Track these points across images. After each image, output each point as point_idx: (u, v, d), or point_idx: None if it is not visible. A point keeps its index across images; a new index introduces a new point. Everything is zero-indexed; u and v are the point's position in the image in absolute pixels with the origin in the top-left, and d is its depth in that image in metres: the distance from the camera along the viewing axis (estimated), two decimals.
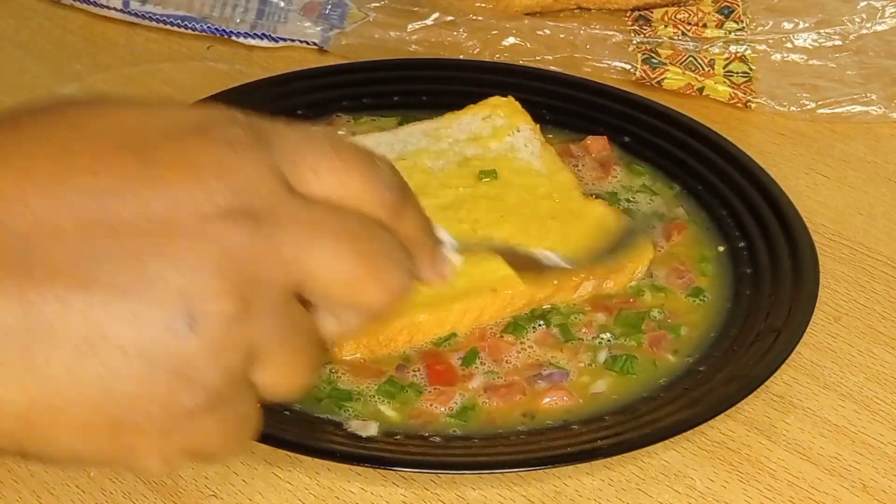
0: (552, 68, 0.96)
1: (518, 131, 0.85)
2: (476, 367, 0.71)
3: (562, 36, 1.00)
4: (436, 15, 1.01)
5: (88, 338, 0.41)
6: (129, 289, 0.41)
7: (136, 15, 1.02)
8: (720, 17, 1.03)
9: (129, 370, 0.41)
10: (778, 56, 0.99)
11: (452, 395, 0.69)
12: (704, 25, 1.02)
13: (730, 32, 1.01)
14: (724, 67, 0.98)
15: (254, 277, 0.42)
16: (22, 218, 0.41)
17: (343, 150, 0.45)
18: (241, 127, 0.44)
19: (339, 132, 0.87)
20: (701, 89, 0.96)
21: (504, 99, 0.87)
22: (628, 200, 0.83)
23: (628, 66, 0.98)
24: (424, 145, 0.84)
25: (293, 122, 0.47)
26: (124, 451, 0.43)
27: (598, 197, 0.82)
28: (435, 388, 0.70)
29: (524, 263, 0.61)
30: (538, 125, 0.86)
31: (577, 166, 0.85)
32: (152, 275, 0.41)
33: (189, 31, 1.01)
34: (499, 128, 0.85)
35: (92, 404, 0.42)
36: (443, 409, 0.69)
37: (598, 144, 0.87)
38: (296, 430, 0.66)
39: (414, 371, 0.71)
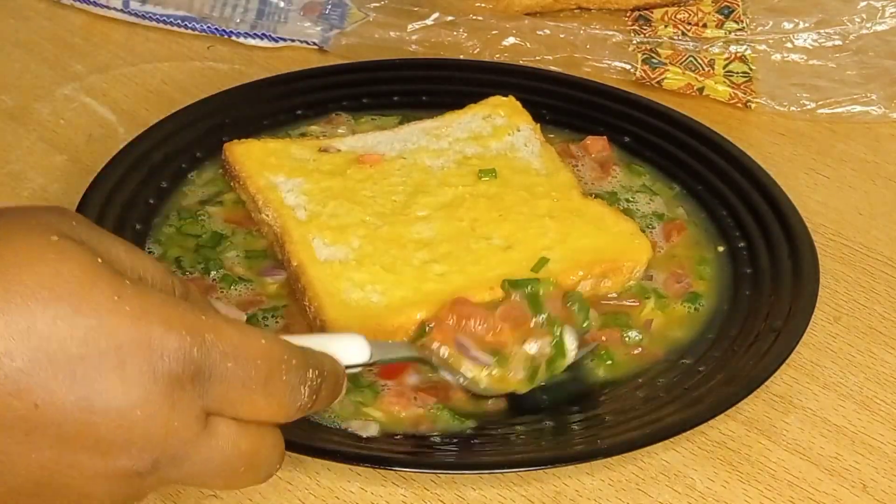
0: (552, 68, 0.96)
1: (518, 131, 0.85)
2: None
3: (562, 36, 1.00)
4: (436, 15, 1.01)
5: None
6: None
7: (136, 15, 1.02)
8: (720, 17, 1.03)
9: None
10: (778, 56, 0.99)
11: (408, 399, 0.69)
12: (704, 25, 1.02)
13: (730, 32, 1.01)
14: (724, 67, 0.98)
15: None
16: None
17: (270, 383, 0.50)
18: (181, 364, 0.47)
19: (339, 130, 0.87)
20: (701, 89, 0.97)
21: (504, 98, 0.87)
22: (628, 200, 0.83)
23: (628, 66, 0.98)
24: (424, 144, 0.84)
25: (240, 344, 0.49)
26: None
27: (597, 197, 0.82)
28: (388, 387, 0.69)
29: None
30: (538, 125, 0.86)
31: (577, 166, 0.85)
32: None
33: (189, 31, 1.01)
34: (499, 127, 0.85)
35: None
36: (404, 413, 0.68)
37: (597, 144, 0.87)
38: (296, 430, 0.66)
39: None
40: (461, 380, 0.68)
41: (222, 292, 0.74)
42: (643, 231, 0.79)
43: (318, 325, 0.72)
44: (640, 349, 0.73)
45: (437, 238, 0.77)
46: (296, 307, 0.74)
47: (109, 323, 0.46)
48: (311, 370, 0.51)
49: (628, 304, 0.76)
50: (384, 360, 0.63)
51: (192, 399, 0.48)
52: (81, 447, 0.46)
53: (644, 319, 0.74)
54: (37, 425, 0.46)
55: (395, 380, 0.70)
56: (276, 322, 0.73)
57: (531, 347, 0.69)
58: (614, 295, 0.76)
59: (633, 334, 0.73)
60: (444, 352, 0.67)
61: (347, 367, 0.55)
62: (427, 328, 0.69)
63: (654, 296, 0.76)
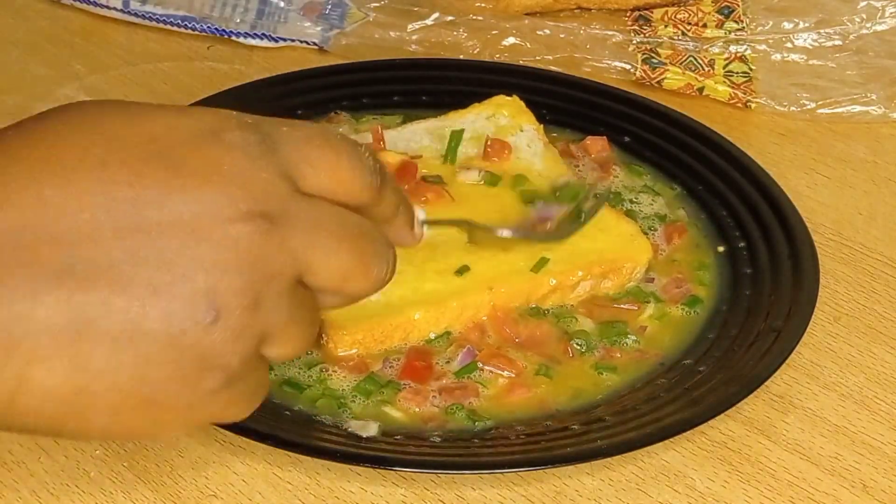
0: (552, 68, 0.96)
1: (521, 131, 0.85)
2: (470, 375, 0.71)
3: (562, 36, 1.00)
4: (436, 15, 1.01)
5: (127, 332, 0.47)
6: (161, 288, 0.47)
7: (136, 15, 1.02)
8: (720, 17, 1.03)
9: (161, 359, 0.47)
10: (778, 56, 0.99)
11: (426, 395, 0.69)
12: (704, 25, 1.02)
13: (730, 32, 1.01)
14: (724, 67, 0.98)
15: (267, 272, 0.49)
16: (66, 226, 0.47)
17: (334, 145, 0.52)
18: (249, 131, 0.50)
19: (340, 129, 0.87)
20: (701, 89, 0.96)
21: (509, 98, 0.87)
22: (632, 201, 0.83)
23: (628, 66, 0.98)
24: (427, 143, 0.84)
25: (291, 120, 0.53)
26: (152, 426, 0.50)
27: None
28: (408, 386, 0.69)
29: (482, 237, 0.73)
30: (542, 126, 0.86)
31: (577, 167, 0.85)
32: (181, 275, 0.47)
33: (189, 31, 1.01)
34: (502, 127, 0.85)
35: (126, 390, 0.48)
36: (417, 409, 0.69)
37: (597, 145, 0.87)
38: (296, 430, 0.66)
39: (393, 365, 0.71)
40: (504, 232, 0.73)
41: None
42: (645, 233, 0.79)
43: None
44: (638, 352, 0.73)
45: (438, 238, 0.77)
46: None
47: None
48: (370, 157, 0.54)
49: (627, 307, 0.75)
50: (436, 222, 0.66)
51: (269, 154, 0.50)
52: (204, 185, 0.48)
53: (640, 325, 0.74)
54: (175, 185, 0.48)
55: (416, 380, 0.70)
56: None
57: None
58: (611, 295, 0.76)
59: (630, 341, 0.73)
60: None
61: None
62: None
63: (653, 300, 0.76)
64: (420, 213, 0.59)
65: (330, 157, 0.52)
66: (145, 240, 0.47)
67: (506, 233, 0.74)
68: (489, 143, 0.83)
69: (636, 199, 0.83)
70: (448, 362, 0.71)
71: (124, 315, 0.47)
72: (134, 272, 0.47)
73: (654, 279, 0.77)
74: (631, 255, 0.77)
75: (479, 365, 0.71)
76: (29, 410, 0.48)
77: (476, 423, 0.68)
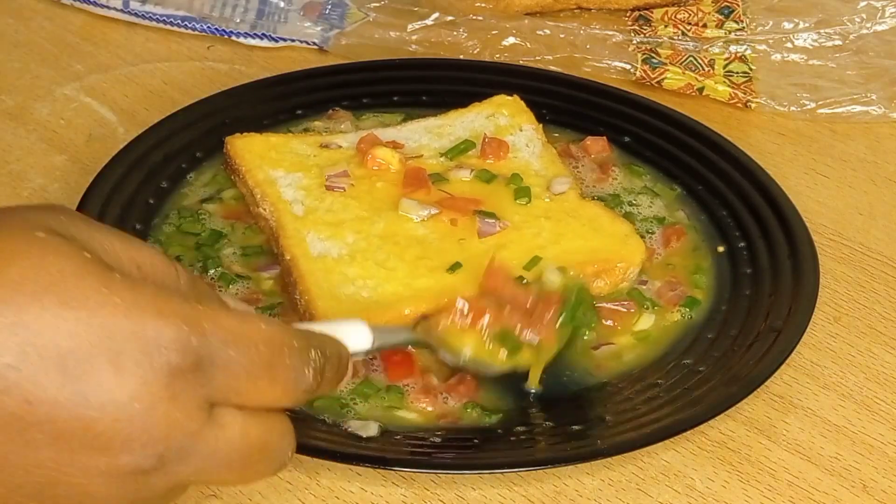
0: (552, 68, 0.96)
1: (521, 130, 0.85)
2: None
3: (562, 36, 1.00)
4: (436, 15, 1.01)
5: None
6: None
7: (136, 15, 1.02)
8: (720, 17, 1.03)
9: None
10: (778, 56, 0.99)
11: (436, 392, 0.69)
12: (704, 25, 1.02)
13: (730, 32, 1.01)
14: (724, 67, 0.98)
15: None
16: None
17: (274, 368, 0.49)
18: (186, 356, 0.46)
19: (342, 126, 0.87)
20: (701, 89, 0.96)
21: (509, 98, 0.87)
22: (631, 203, 0.83)
23: (628, 66, 0.98)
24: (426, 142, 0.84)
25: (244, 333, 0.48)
26: None
27: (601, 199, 0.82)
28: (411, 387, 0.69)
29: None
30: (541, 125, 0.86)
31: (577, 167, 0.85)
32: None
33: (189, 31, 1.01)
34: (502, 126, 0.85)
35: None
36: (430, 409, 0.69)
37: (597, 145, 0.86)
38: (296, 430, 0.66)
39: (374, 364, 0.71)
40: (461, 360, 0.66)
41: (221, 290, 0.74)
42: (642, 236, 0.79)
43: (307, 319, 0.72)
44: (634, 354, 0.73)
45: (431, 235, 0.77)
46: (291, 303, 0.74)
47: (99, 314, 0.45)
48: (313, 351, 0.50)
49: (624, 309, 0.75)
50: (385, 346, 0.62)
51: (193, 389, 0.46)
52: (80, 445, 0.46)
53: (637, 330, 0.74)
54: (31, 423, 0.45)
55: (412, 379, 0.70)
56: None
57: (533, 338, 0.67)
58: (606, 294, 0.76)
59: (623, 341, 0.74)
60: (443, 328, 0.66)
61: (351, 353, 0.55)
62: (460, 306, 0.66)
63: (650, 304, 0.76)
64: (365, 340, 0.56)
65: (262, 385, 0.49)
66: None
67: (464, 360, 0.67)
68: (486, 141, 0.83)
69: (635, 200, 0.83)
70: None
71: None
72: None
73: (646, 282, 0.77)
74: (624, 256, 0.77)
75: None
76: None
77: (489, 418, 0.68)
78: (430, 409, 0.69)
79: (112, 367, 0.45)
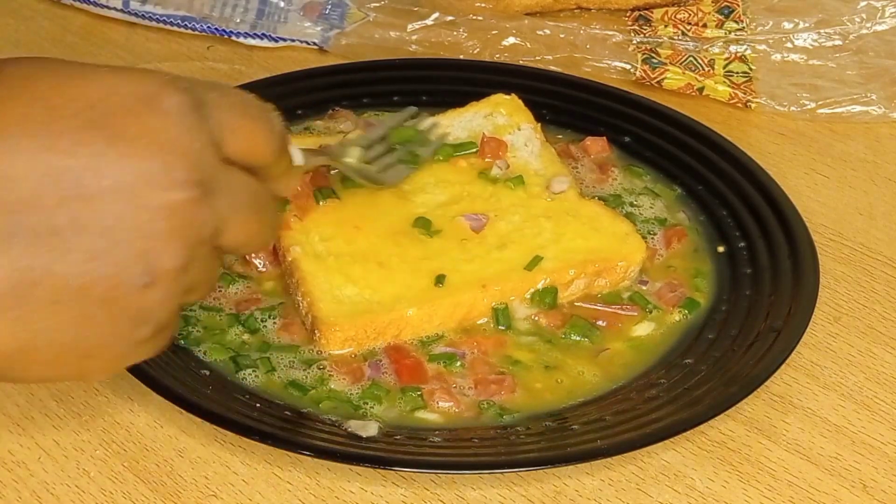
0: (552, 68, 0.96)
1: (519, 130, 0.85)
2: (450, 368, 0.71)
3: (562, 36, 1.00)
4: (436, 15, 1.01)
5: (67, 295, 0.49)
6: (100, 254, 0.49)
7: (136, 15, 1.02)
8: (720, 17, 1.03)
9: (98, 319, 0.50)
10: (778, 56, 0.99)
11: (456, 393, 0.70)
12: (704, 25, 1.02)
13: (730, 32, 1.01)
14: (724, 67, 0.98)
15: (198, 237, 0.51)
16: (9, 192, 0.48)
17: (252, 114, 0.55)
18: (185, 96, 0.52)
19: (341, 125, 0.88)
20: (701, 89, 0.96)
21: (507, 97, 0.87)
22: (632, 204, 0.83)
23: (628, 66, 0.98)
24: None
25: (218, 84, 0.56)
26: (83, 373, 0.52)
27: (602, 200, 0.82)
28: (433, 388, 0.70)
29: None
30: (539, 125, 0.86)
31: (576, 168, 0.85)
32: (119, 241, 0.49)
33: (189, 31, 1.01)
34: (500, 126, 0.85)
35: (66, 346, 0.50)
36: (456, 409, 0.69)
37: (597, 145, 0.86)
38: (296, 430, 0.66)
39: (381, 367, 0.71)
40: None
41: (220, 291, 0.75)
42: (644, 237, 0.79)
43: (309, 321, 0.72)
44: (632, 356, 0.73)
45: (432, 235, 0.77)
46: (291, 303, 0.74)
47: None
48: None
49: (626, 312, 0.75)
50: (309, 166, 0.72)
51: (202, 122, 0.52)
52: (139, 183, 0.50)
53: (636, 334, 0.74)
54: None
55: (418, 380, 0.70)
56: (275, 322, 0.73)
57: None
58: (605, 294, 0.77)
59: (622, 345, 0.74)
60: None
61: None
62: None
63: (652, 307, 0.76)
64: (296, 156, 0.61)
65: (248, 126, 0.55)
66: (85, 207, 0.49)
67: (348, 166, 0.77)
68: (485, 140, 0.83)
69: (636, 201, 0.83)
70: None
71: (65, 279, 0.49)
72: (74, 237, 0.49)
73: (647, 282, 0.77)
74: (625, 255, 0.77)
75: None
76: None
77: (504, 418, 0.69)
78: (455, 409, 0.69)
79: (147, 114, 0.51)
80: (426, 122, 0.84)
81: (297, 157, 0.61)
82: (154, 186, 0.50)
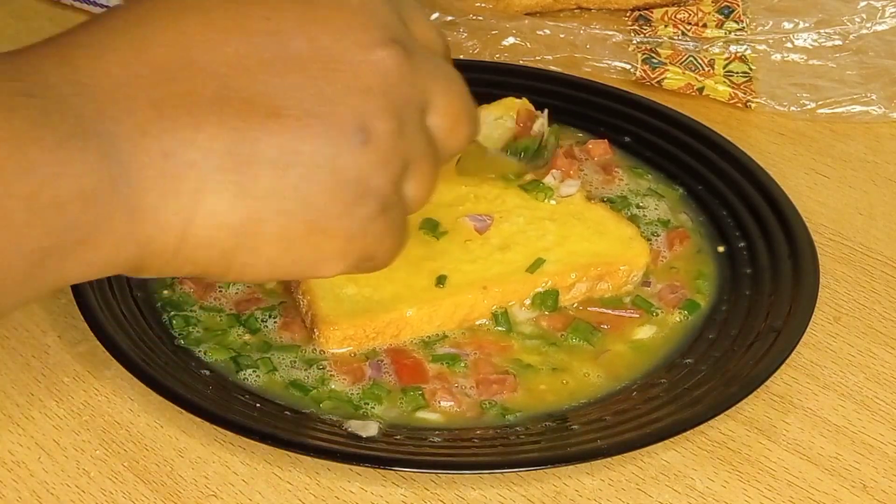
0: (552, 68, 0.96)
1: None
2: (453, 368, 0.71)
3: (562, 36, 1.00)
4: (436, 15, 1.01)
5: (286, 155, 0.49)
6: (313, 113, 0.49)
7: None
8: (720, 17, 1.03)
9: (321, 181, 0.49)
10: (778, 56, 0.99)
11: (457, 392, 0.70)
12: (704, 25, 1.02)
13: (730, 32, 1.01)
14: (724, 67, 0.98)
15: (406, 96, 0.51)
16: (213, 59, 0.48)
17: (420, 9, 0.56)
18: None
19: None
20: (701, 89, 0.96)
21: (518, 101, 0.87)
22: (638, 206, 0.83)
23: (628, 66, 0.98)
24: None
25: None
26: (317, 257, 0.51)
27: (610, 201, 0.82)
28: (434, 388, 0.70)
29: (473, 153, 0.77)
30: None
31: (582, 170, 0.85)
32: (330, 98, 0.49)
33: None
34: (510, 129, 0.85)
35: (292, 214, 0.50)
36: (458, 409, 0.69)
37: (599, 148, 0.86)
38: (296, 430, 0.66)
39: (382, 367, 0.71)
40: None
41: (221, 291, 0.75)
42: (648, 238, 0.79)
43: (309, 319, 0.72)
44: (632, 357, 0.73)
45: (439, 237, 0.77)
46: (292, 301, 0.74)
47: None
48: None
49: (629, 315, 0.75)
50: None
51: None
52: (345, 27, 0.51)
53: (636, 337, 0.74)
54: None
55: (418, 380, 0.70)
56: (275, 321, 0.73)
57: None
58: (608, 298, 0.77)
59: (623, 348, 0.74)
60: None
61: None
62: None
63: (657, 311, 0.75)
64: None
65: (420, 17, 0.55)
66: (292, 68, 0.49)
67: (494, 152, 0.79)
68: (519, 115, 0.85)
69: (642, 202, 0.83)
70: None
71: (282, 139, 0.48)
72: (286, 98, 0.49)
73: (650, 283, 0.77)
74: (628, 259, 0.77)
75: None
76: (200, 243, 0.49)
77: (507, 417, 0.69)
78: (456, 408, 0.69)
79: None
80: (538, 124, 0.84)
81: None
82: (356, 45, 0.50)
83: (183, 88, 0.48)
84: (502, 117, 0.86)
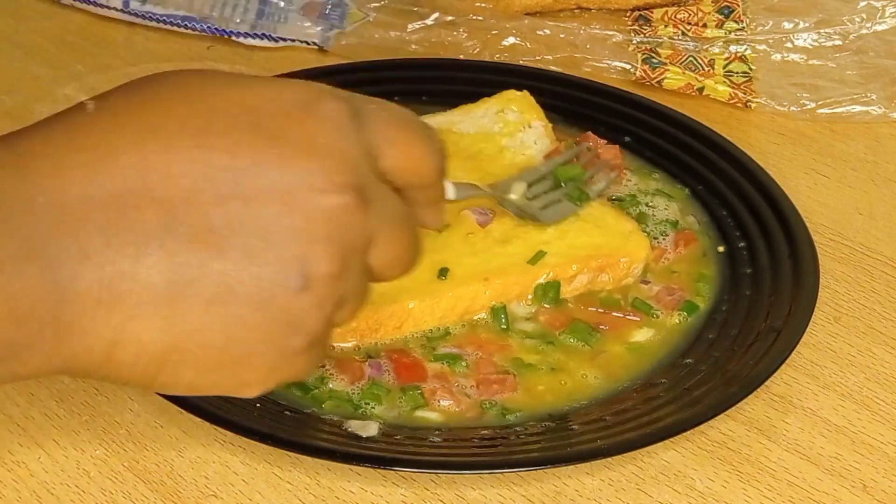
0: (552, 68, 0.96)
1: (530, 127, 0.85)
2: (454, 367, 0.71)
3: (562, 36, 1.00)
4: (436, 15, 1.01)
5: (221, 294, 0.49)
6: (256, 254, 0.49)
7: (136, 15, 1.02)
8: (720, 16, 1.03)
9: (252, 321, 0.50)
10: (778, 56, 0.99)
11: (457, 392, 0.70)
12: (704, 25, 1.02)
13: (730, 32, 1.01)
14: (724, 67, 0.98)
15: (353, 244, 0.51)
16: (168, 190, 0.48)
17: (413, 129, 0.55)
18: (343, 104, 0.52)
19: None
20: (701, 89, 0.96)
21: (518, 93, 0.87)
22: (648, 205, 0.83)
23: (628, 66, 0.98)
24: None
25: (377, 99, 0.55)
26: (235, 384, 0.52)
27: (617, 200, 0.82)
28: (433, 387, 0.70)
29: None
30: (549, 124, 0.86)
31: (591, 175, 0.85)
32: (275, 242, 0.49)
33: (189, 31, 1.01)
34: (511, 122, 0.85)
35: (217, 348, 0.50)
36: (457, 408, 0.69)
37: (609, 153, 0.86)
38: (296, 430, 0.66)
39: (382, 367, 0.71)
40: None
41: None
42: (655, 238, 0.79)
43: None
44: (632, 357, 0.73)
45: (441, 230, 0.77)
46: None
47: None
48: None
49: (630, 317, 0.75)
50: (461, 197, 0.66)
51: (360, 130, 0.52)
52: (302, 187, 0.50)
53: (634, 340, 0.74)
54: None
55: (417, 379, 0.70)
56: None
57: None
58: (611, 294, 0.77)
59: (621, 349, 0.74)
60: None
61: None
62: None
63: (657, 314, 0.75)
64: (449, 190, 0.60)
65: (408, 139, 0.54)
66: (242, 207, 0.49)
67: (510, 203, 0.78)
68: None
69: (651, 202, 0.83)
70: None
71: (220, 278, 0.49)
72: (231, 237, 0.49)
73: (648, 282, 0.77)
74: (628, 252, 0.77)
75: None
76: (124, 364, 0.50)
77: (508, 417, 0.69)
78: (455, 408, 0.69)
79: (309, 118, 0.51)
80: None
81: (450, 192, 0.60)
82: (313, 189, 0.50)
83: (133, 217, 0.48)
84: (503, 110, 0.86)
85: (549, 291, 0.75)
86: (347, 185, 0.50)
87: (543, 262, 0.75)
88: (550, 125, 0.86)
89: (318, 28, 1.02)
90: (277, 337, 0.51)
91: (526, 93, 0.87)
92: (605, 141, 0.86)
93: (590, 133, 0.86)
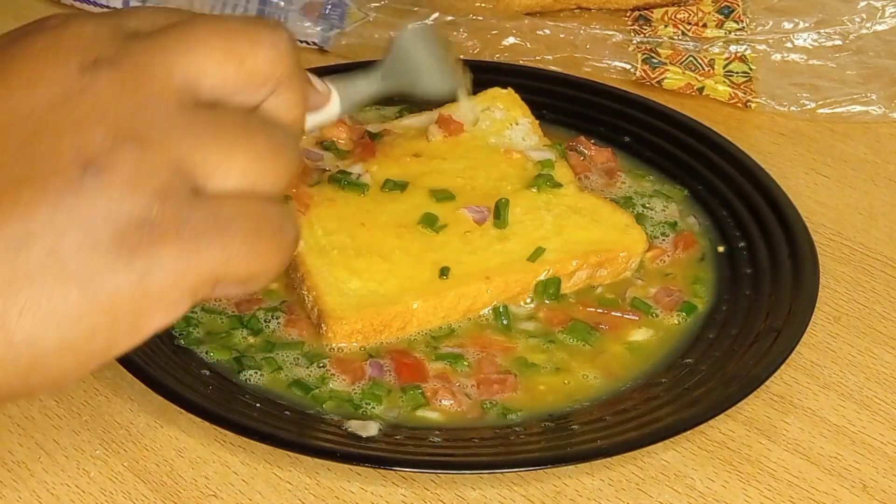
0: (552, 68, 0.96)
1: (517, 124, 0.85)
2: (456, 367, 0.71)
3: (562, 36, 1.00)
4: (436, 15, 1.01)
5: (17, 243, 0.41)
6: (28, 179, 0.41)
7: None
8: (720, 16, 1.03)
9: (73, 247, 0.41)
10: (778, 56, 0.99)
11: (458, 392, 0.70)
12: (704, 25, 1.02)
13: (730, 32, 1.01)
14: (724, 67, 0.98)
15: (138, 105, 0.42)
16: None
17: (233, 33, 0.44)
18: (93, 21, 0.46)
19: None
20: (701, 89, 0.97)
21: (503, 91, 0.87)
22: (644, 206, 0.83)
23: (628, 66, 0.98)
24: None
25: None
26: (121, 316, 0.41)
27: (613, 202, 0.82)
28: (434, 387, 0.70)
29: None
30: (536, 121, 0.86)
31: (588, 175, 0.85)
32: (43, 154, 0.42)
33: None
34: (497, 120, 0.85)
35: (57, 291, 0.41)
36: (458, 408, 0.69)
37: (602, 156, 0.86)
38: (296, 430, 0.66)
39: (383, 366, 0.71)
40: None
41: None
42: (655, 238, 0.79)
43: (315, 314, 0.72)
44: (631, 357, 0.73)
45: (438, 231, 0.77)
46: (295, 299, 0.74)
47: None
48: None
49: (629, 317, 0.75)
50: (356, 105, 0.55)
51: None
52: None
53: (632, 339, 0.74)
54: None
55: (417, 379, 0.70)
56: (279, 321, 0.73)
57: None
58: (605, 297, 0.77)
59: (620, 349, 0.74)
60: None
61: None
62: None
63: (656, 314, 0.75)
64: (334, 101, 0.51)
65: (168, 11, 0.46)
66: None
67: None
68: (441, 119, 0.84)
69: (648, 203, 0.83)
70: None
71: (6, 228, 0.41)
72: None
73: (643, 280, 0.77)
74: (626, 245, 0.77)
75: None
76: None
77: (509, 417, 0.69)
78: (456, 408, 0.69)
79: None
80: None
81: (335, 102, 0.51)
82: (56, 85, 0.44)
83: None
84: (489, 108, 0.86)
85: (550, 288, 0.75)
86: (89, 61, 0.44)
87: (543, 259, 0.75)
88: (537, 122, 0.86)
89: (318, 28, 1.02)
90: (119, 243, 0.41)
91: (511, 90, 0.87)
92: (595, 143, 0.86)
93: (581, 137, 0.86)
